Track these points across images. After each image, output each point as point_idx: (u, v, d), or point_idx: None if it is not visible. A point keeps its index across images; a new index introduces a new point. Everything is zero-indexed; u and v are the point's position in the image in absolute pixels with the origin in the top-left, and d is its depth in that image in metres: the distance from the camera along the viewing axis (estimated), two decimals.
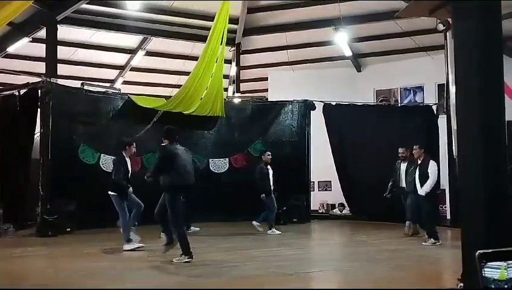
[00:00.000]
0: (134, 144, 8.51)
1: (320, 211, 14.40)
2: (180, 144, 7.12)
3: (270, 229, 10.27)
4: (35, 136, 10.50)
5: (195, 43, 14.75)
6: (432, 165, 8.85)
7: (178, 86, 13.59)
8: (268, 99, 14.68)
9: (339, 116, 13.03)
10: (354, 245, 9.45)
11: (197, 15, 13.88)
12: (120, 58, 16.17)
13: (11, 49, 13.14)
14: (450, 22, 5.67)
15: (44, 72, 11.82)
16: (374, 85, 15.19)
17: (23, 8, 9.45)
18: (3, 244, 8.90)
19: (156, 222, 7.30)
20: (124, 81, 16.74)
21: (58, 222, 9.79)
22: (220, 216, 11.84)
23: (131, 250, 7.78)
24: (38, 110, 10.27)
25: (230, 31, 12.86)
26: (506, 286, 2.12)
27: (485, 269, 2.16)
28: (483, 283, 2.19)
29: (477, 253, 2.10)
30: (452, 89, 5.59)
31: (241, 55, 15.64)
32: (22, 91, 10.45)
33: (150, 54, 15.82)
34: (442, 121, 11.98)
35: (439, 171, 9.13)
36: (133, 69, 16.54)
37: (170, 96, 12.19)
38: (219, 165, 12.81)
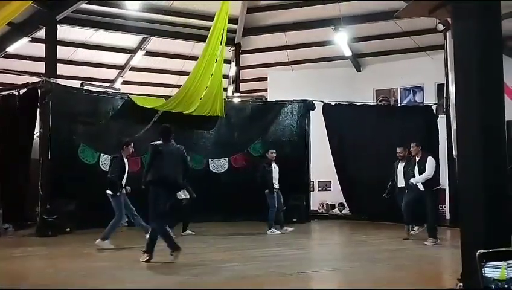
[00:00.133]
0: (132, 144, 8.53)
1: (320, 211, 14.41)
2: (180, 144, 7.14)
3: (270, 229, 10.26)
4: (34, 136, 10.51)
5: (194, 43, 14.76)
6: (430, 160, 8.84)
7: (178, 86, 13.60)
8: (268, 99, 14.68)
9: (338, 116, 13.03)
10: (354, 245, 9.45)
11: (196, 15, 13.88)
12: (120, 58, 16.17)
13: (10, 49, 13.13)
14: (450, 22, 5.67)
15: (44, 72, 11.82)
16: (374, 85, 15.20)
17: (22, 8, 9.46)
18: (3, 244, 8.90)
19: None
20: (123, 81, 16.75)
21: (58, 222, 9.80)
22: (219, 216, 11.86)
23: (101, 248, 7.91)
24: (38, 110, 10.27)
25: (229, 31, 12.87)
26: (506, 286, 2.12)
27: (485, 269, 2.16)
28: (484, 282, 2.20)
29: (477, 253, 2.10)
30: (452, 89, 5.59)
31: (241, 55, 15.65)
32: (22, 91, 10.46)
33: (149, 54, 15.82)
34: (441, 121, 11.98)
35: (437, 168, 9.12)
36: (133, 69, 16.55)
37: (170, 96, 12.19)
38: (219, 165, 12.82)
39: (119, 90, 12.67)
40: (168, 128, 7.16)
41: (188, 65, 14.57)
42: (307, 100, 13.13)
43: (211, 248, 8.47)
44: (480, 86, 4.15)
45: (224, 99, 12.99)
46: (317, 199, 14.26)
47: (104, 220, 9.80)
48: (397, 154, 10.03)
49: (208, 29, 11.81)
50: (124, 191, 8.17)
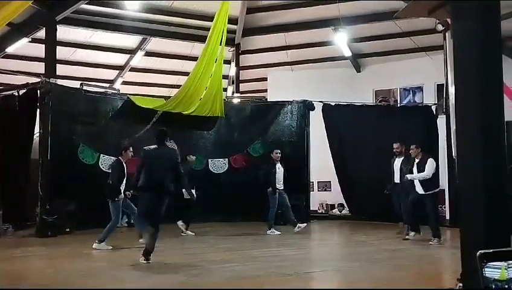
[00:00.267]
0: (131, 148, 8.53)
1: (320, 212, 14.40)
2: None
3: (270, 229, 10.27)
4: (34, 137, 10.51)
5: (194, 44, 14.76)
6: (430, 162, 8.83)
7: (177, 87, 13.58)
8: (268, 100, 14.68)
9: (338, 117, 13.03)
10: (354, 245, 9.45)
11: (196, 15, 13.88)
12: (119, 59, 16.16)
13: (10, 50, 13.12)
14: (449, 23, 5.68)
15: (43, 72, 11.80)
16: (374, 85, 15.19)
17: (22, 8, 9.44)
18: (3, 244, 8.89)
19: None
20: (123, 81, 16.73)
21: (57, 222, 9.79)
22: (219, 216, 11.86)
23: (98, 249, 7.93)
24: (38, 110, 10.27)
25: (229, 31, 12.85)
26: (506, 286, 2.12)
27: (485, 269, 2.16)
28: (484, 283, 2.20)
29: (478, 253, 2.11)
30: (451, 90, 5.60)
31: (241, 56, 15.64)
32: (22, 91, 10.45)
33: (149, 54, 15.81)
34: (441, 121, 11.98)
35: (437, 170, 9.12)
36: (132, 69, 16.53)
37: (169, 97, 12.18)
38: (218, 165, 12.82)
39: (119, 90, 12.65)
40: (162, 132, 7.25)
41: (188, 65, 14.56)
42: (307, 100, 13.13)
43: (210, 248, 8.47)
44: (480, 86, 4.15)
45: (224, 100, 12.98)
46: (316, 200, 14.25)
47: (103, 220, 9.79)
48: (394, 150, 9.99)
49: (208, 29, 11.80)
50: (121, 196, 8.18)
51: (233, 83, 16.13)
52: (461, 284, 4.30)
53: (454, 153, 5.68)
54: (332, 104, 13.04)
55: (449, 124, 10.06)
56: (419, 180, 8.84)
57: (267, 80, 16.71)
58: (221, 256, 7.70)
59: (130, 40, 15.17)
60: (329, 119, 13.01)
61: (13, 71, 12.95)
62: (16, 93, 10.47)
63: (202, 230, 10.40)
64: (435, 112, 12.72)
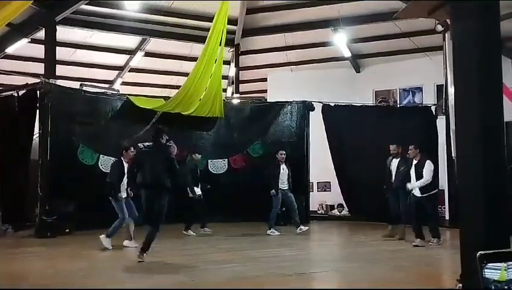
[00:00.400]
0: (132, 148, 8.53)
1: (320, 212, 14.40)
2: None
3: (270, 229, 10.27)
4: (34, 137, 10.50)
5: (194, 44, 14.75)
6: (428, 164, 8.76)
7: (177, 87, 13.58)
8: (268, 100, 14.68)
9: (337, 117, 13.02)
10: (353, 246, 9.46)
11: (196, 16, 13.87)
12: (119, 59, 16.15)
13: (9, 50, 13.10)
14: (449, 23, 5.68)
15: (43, 73, 11.79)
16: (373, 86, 15.19)
17: (22, 8, 9.43)
18: (3, 245, 8.89)
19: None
20: (122, 82, 16.72)
21: (57, 223, 9.78)
22: (219, 217, 11.82)
23: (105, 246, 7.98)
24: (37, 111, 10.26)
25: (229, 32, 12.84)
26: (506, 287, 2.12)
27: (485, 270, 2.15)
28: (484, 284, 2.20)
29: (478, 254, 2.10)
30: (451, 90, 5.60)
31: (240, 56, 15.63)
32: (21, 92, 10.45)
33: (148, 54, 15.80)
34: (441, 122, 11.98)
35: (435, 171, 9.08)
36: (132, 70, 16.52)
37: (169, 97, 12.18)
38: (218, 166, 12.81)
39: (118, 91, 12.65)
40: (158, 130, 7.40)
41: (187, 66, 14.55)
42: (306, 101, 13.13)
43: (211, 249, 8.47)
44: (480, 86, 4.15)
45: (224, 100, 12.97)
46: (316, 200, 14.25)
47: (103, 221, 9.81)
48: (391, 152, 9.84)
49: (208, 30, 11.79)
50: (123, 195, 8.19)
51: (233, 83, 16.13)
52: (461, 285, 4.30)
53: (453, 154, 5.68)
54: (332, 104, 13.04)
55: (449, 124, 10.05)
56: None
57: (266, 81, 16.71)
58: (222, 256, 7.71)
59: (129, 41, 15.17)
60: (329, 119, 13.01)
61: (13, 72, 12.94)
62: (16, 94, 10.47)
63: (202, 230, 10.39)
64: (434, 113, 12.72)
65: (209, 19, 12.35)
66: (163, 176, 6.96)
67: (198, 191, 10.28)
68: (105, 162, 10.79)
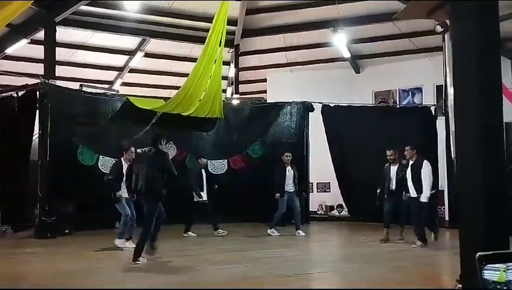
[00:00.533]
0: (132, 148, 8.53)
1: (319, 213, 14.40)
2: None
3: (270, 229, 10.28)
4: (33, 138, 10.50)
5: (193, 45, 14.75)
6: (426, 165, 8.67)
7: (177, 88, 13.58)
8: (267, 101, 14.67)
9: (337, 118, 13.03)
10: (353, 246, 9.46)
11: (195, 16, 13.88)
12: (119, 60, 16.15)
13: (9, 51, 13.11)
14: (448, 24, 5.68)
15: (42, 73, 11.79)
16: (373, 86, 15.21)
17: (22, 8, 9.43)
18: (2, 245, 8.89)
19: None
20: (122, 82, 16.72)
21: (56, 224, 9.78)
22: (219, 217, 11.82)
23: (120, 247, 7.98)
24: (37, 111, 10.26)
25: (229, 32, 12.85)
26: (505, 288, 2.12)
27: (484, 271, 2.16)
28: (483, 285, 2.20)
29: (477, 255, 2.11)
30: (450, 91, 5.60)
31: (240, 57, 15.65)
32: (21, 92, 10.45)
33: (148, 55, 15.81)
34: (440, 122, 11.98)
35: (433, 171, 9.04)
36: (132, 70, 16.54)
37: (169, 98, 12.18)
38: (218, 166, 12.80)
39: (118, 91, 12.65)
40: (157, 134, 7.47)
41: (187, 66, 14.55)
42: (306, 102, 13.13)
43: (211, 249, 8.47)
44: (479, 86, 4.16)
45: (224, 101, 12.98)
46: (316, 201, 14.26)
47: (103, 221, 9.85)
48: (388, 157, 9.45)
49: (207, 30, 11.80)
50: (123, 194, 8.18)
51: (232, 84, 16.14)
52: (460, 285, 4.30)
53: (453, 154, 5.68)
54: (332, 105, 13.05)
55: (448, 125, 10.04)
56: (413, 184, 8.65)
57: (266, 81, 16.72)
58: (222, 257, 7.71)
59: (129, 41, 15.17)
60: (329, 120, 13.01)
61: (12, 72, 12.93)
62: (15, 95, 10.47)
63: (202, 231, 10.39)
64: (434, 113, 12.72)
65: (209, 19, 12.37)
66: (155, 182, 6.95)
67: (204, 195, 10.28)
68: (105, 163, 10.80)
